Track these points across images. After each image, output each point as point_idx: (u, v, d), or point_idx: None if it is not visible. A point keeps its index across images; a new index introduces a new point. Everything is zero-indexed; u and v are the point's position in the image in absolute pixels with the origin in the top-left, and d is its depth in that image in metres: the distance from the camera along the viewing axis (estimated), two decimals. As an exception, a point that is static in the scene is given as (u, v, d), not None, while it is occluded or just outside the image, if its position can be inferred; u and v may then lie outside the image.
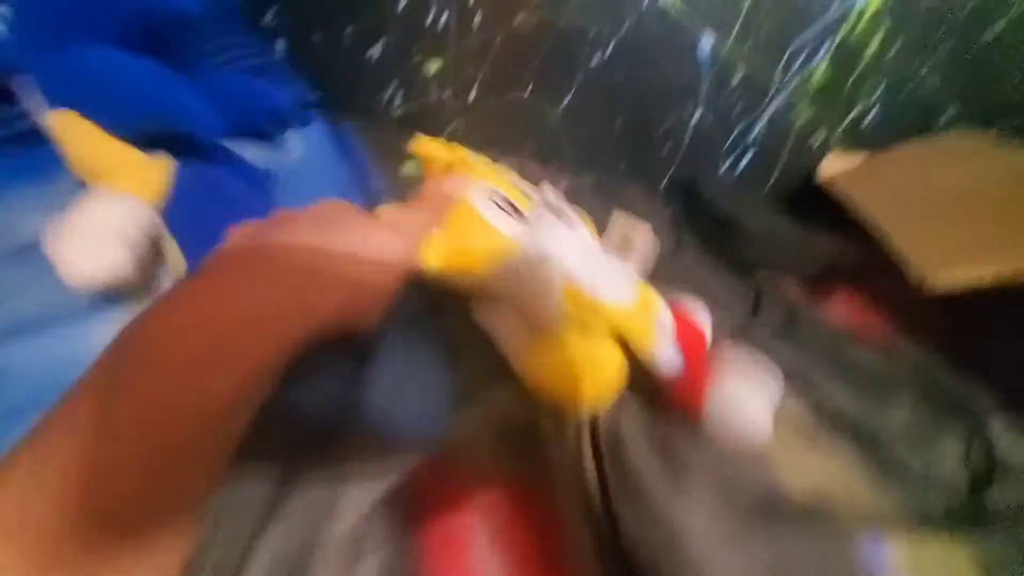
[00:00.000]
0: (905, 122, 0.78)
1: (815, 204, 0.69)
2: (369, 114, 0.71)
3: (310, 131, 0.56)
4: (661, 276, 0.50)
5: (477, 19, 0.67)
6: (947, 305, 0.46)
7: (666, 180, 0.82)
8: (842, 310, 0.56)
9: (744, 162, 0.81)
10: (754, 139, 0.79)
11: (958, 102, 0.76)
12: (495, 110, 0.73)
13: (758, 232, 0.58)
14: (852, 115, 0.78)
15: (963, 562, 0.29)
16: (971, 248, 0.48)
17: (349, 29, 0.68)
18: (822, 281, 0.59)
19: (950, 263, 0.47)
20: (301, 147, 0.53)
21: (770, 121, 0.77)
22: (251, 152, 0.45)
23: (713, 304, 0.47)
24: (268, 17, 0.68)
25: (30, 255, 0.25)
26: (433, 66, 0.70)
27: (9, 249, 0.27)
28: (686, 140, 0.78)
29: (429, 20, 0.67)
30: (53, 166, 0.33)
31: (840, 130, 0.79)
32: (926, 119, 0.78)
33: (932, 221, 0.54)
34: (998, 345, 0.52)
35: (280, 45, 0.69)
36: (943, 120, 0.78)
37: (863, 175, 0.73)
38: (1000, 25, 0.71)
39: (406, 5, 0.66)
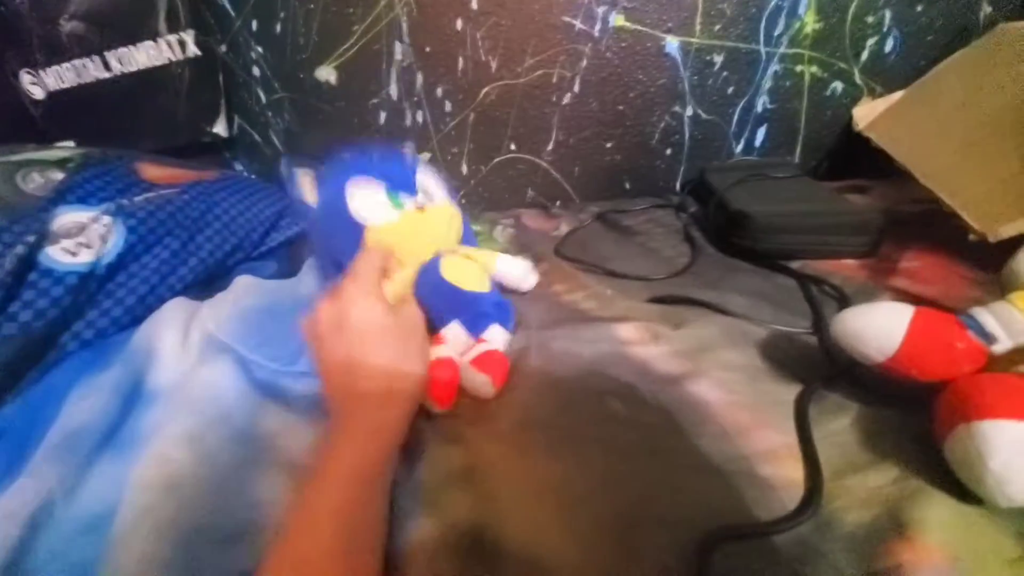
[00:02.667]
0: (934, 39, 0.68)
1: (866, 155, 0.62)
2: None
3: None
4: (698, 289, 0.49)
5: (448, 107, 0.72)
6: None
7: (679, 184, 0.79)
8: (914, 279, 0.48)
9: (760, 138, 0.76)
10: (762, 112, 0.74)
11: (992, -7, 0.65)
12: (487, 176, 0.77)
13: (777, 222, 0.53)
14: (867, 52, 0.70)
15: None
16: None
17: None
18: (881, 251, 0.53)
19: (1011, 214, 0.40)
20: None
21: (774, 89, 0.72)
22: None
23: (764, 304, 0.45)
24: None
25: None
26: (423, 158, 0.76)
27: None
28: (686, 139, 0.75)
29: (408, 122, 0.73)
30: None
31: (858, 72, 0.71)
32: (961, 26, 0.67)
33: (981, 161, 0.46)
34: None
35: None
36: (981, 19, 0.67)
37: (898, 117, 0.65)
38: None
39: (386, 118, 0.73)
